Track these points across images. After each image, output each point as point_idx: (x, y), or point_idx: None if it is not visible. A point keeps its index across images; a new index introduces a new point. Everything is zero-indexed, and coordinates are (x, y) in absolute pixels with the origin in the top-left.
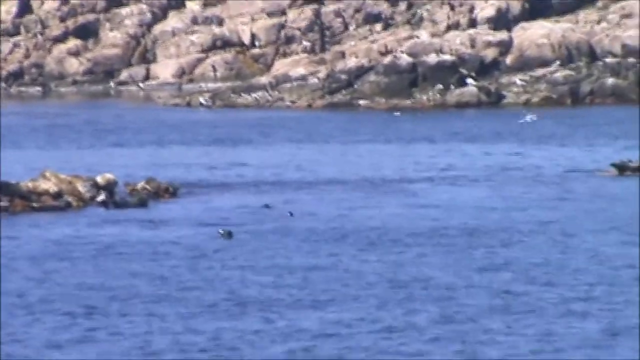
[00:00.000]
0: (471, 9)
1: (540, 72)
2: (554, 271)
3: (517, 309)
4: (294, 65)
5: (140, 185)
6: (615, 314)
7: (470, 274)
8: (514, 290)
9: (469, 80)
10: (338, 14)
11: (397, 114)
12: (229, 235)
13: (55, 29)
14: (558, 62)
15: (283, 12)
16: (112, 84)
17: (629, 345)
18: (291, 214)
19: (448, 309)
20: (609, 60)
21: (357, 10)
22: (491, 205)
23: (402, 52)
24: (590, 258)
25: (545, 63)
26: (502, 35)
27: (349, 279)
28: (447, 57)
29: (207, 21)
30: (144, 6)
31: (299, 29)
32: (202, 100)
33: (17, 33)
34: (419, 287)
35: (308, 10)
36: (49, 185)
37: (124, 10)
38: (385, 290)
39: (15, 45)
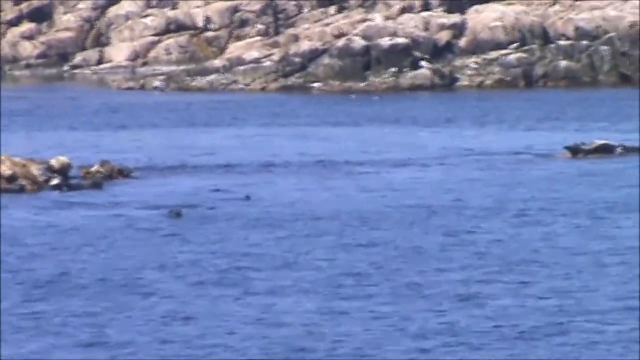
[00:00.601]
0: None
1: (493, 54)
2: (508, 254)
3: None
4: (247, 48)
5: (95, 168)
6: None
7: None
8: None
9: (423, 63)
10: None
11: (353, 96)
12: (177, 215)
13: (10, 12)
14: (515, 45)
15: None
16: (66, 67)
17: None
18: (248, 198)
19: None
20: (562, 42)
21: None
22: (443, 187)
23: (355, 35)
24: (542, 241)
25: (498, 46)
26: (455, 18)
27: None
28: (400, 40)
29: (161, 4)
30: None
31: (252, 12)
32: (155, 83)
33: None
34: (365, 276)
35: None
36: (3, 168)
37: None
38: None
39: None
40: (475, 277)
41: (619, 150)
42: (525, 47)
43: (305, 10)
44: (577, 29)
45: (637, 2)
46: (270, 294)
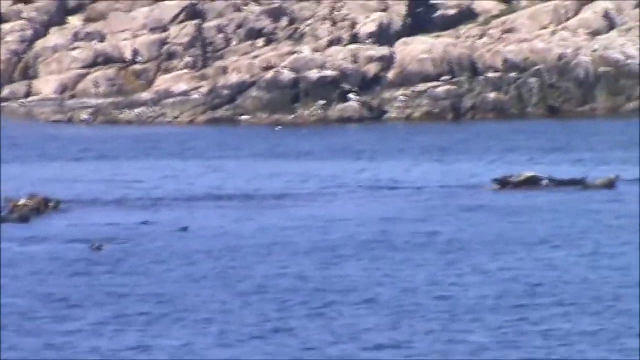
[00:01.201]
0: (353, 24)
1: (421, 87)
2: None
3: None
4: (176, 80)
5: (22, 201)
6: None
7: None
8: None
9: (351, 96)
10: (220, 29)
11: (278, 128)
12: (97, 249)
13: None
14: (447, 77)
15: (164, 28)
16: None
17: None
18: (185, 229)
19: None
20: (490, 75)
21: (239, 26)
22: (370, 219)
23: (284, 67)
24: (472, 273)
25: (426, 78)
26: (383, 50)
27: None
28: (329, 73)
29: (89, 37)
30: (25, 22)
31: (180, 44)
32: (83, 116)
33: None
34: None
35: (190, 26)
36: None
37: (5, 26)
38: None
39: None
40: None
41: (546, 182)
42: (454, 80)
43: (233, 42)
44: (505, 61)
45: (565, 34)
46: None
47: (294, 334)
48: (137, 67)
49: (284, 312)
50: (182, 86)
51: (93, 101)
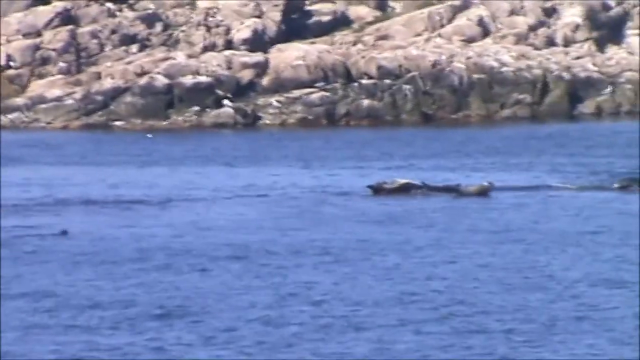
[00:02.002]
0: (227, 31)
1: (296, 93)
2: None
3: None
4: (49, 86)
5: None
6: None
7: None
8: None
9: (226, 102)
10: (94, 35)
11: (149, 135)
12: None
13: None
14: (321, 84)
15: (38, 33)
16: None
17: None
18: (65, 233)
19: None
20: (364, 81)
21: (113, 32)
22: (238, 226)
23: (158, 73)
24: (344, 280)
25: (301, 84)
26: (258, 56)
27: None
28: (203, 79)
29: None
30: None
31: (54, 49)
32: None
33: None
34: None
35: (64, 32)
36: None
37: None
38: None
39: None
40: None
41: (421, 189)
42: (328, 86)
43: (108, 48)
44: (379, 67)
45: (439, 41)
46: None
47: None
48: (11, 72)
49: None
50: (56, 92)
51: None
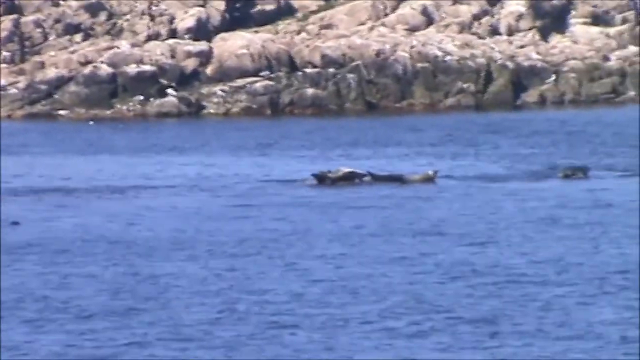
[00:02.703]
0: (171, 20)
1: (240, 82)
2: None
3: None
4: None
5: None
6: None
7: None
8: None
9: (170, 91)
10: (38, 24)
11: (91, 123)
12: None
13: None
14: (265, 73)
15: None
16: None
17: None
18: (16, 223)
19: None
20: (308, 70)
21: (57, 21)
22: (178, 215)
23: (102, 62)
24: (286, 270)
25: (245, 73)
26: (202, 45)
27: None
28: (147, 68)
29: None
30: None
31: None
32: None
33: None
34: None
35: (7, 21)
36: None
37: None
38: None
39: None
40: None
41: (365, 178)
42: (272, 75)
43: (52, 37)
44: (323, 56)
45: (383, 30)
46: None
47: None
48: None
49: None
50: None
51: None
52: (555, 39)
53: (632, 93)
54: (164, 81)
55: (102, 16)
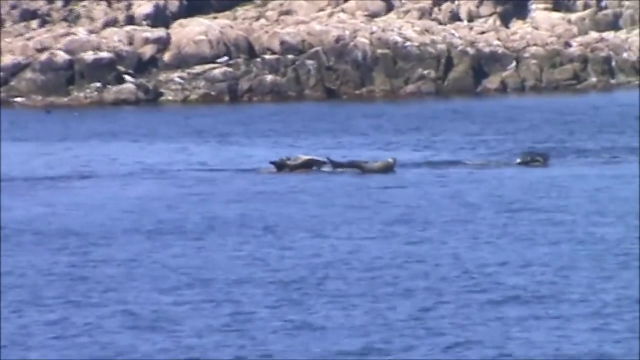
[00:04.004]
0: (129, 6)
1: (198, 69)
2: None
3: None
4: None
5: None
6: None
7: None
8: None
9: (127, 78)
10: None
11: (48, 111)
12: None
13: None
14: (224, 59)
15: None
16: None
17: None
18: None
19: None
20: (267, 57)
21: (13, 7)
22: (132, 204)
23: (59, 49)
24: (230, 260)
25: (203, 60)
26: (160, 32)
27: None
28: (104, 54)
29: None
30: None
31: None
32: None
33: None
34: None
35: None
36: None
37: None
38: None
39: None
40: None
41: (324, 166)
42: (231, 62)
43: (8, 24)
44: (282, 43)
45: (343, 16)
46: None
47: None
48: None
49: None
50: None
51: None
52: (516, 25)
53: (593, 79)
54: (121, 68)
55: (59, 2)
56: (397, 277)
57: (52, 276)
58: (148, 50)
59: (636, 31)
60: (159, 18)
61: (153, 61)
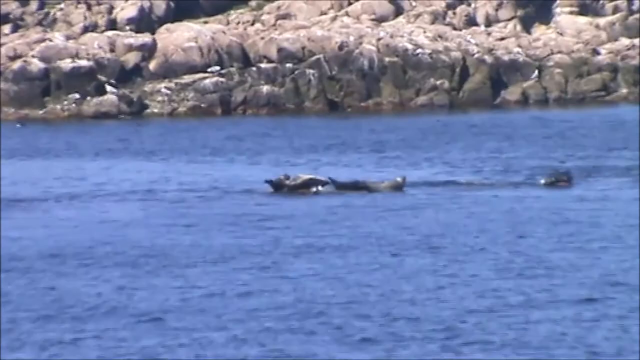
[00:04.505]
0: (110, 9)
1: (187, 78)
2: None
3: None
4: None
5: None
6: None
7: None
8: None
9: (109, 88)
10: None
11: (18, 125)
12: None
13: None
14: (216, 68)
15: None
16: None
17: None
18: None
19: None
20: (263, 65)
21: None
22: (113, 227)
23: (33, 56)
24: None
25: (193, 69)
26: (144, 38)
27: None
28: (83, 63)
29: None
30: None
31: None
32: None
33: None
34: None
35: None
36: None
37: None
38: None
39: None
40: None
41: (327, 186)
42: (223, 71)
43: None
44: (280, 50)
45: (347, 20)
46: None
47: None
48: None
49: None
50: None
51: None
52: (539, 31)
53: (624, 90)
54: (102, 77)
55: (33, 5)
56: (415, 319)
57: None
58: (132, 58)
59: None
60: (144, 22)
61: (137, 70)
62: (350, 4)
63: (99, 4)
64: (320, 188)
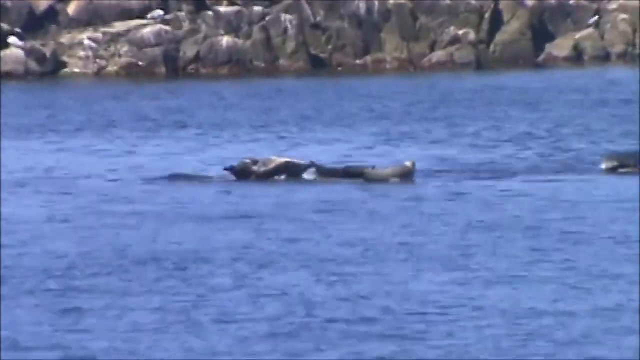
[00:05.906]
0: None
1: (119, 27)
2: None
3: None
4: None
5: None
6: None
7: None
8: None
9: (13, 40)
10: None
11: None
12: None
13: None
14: (160, 13)
15: None
16: None
17: None
18: None
19: None
20: (223, 9)
21: None
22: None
23: None
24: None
25: (127, 14)
26: None
27: None
28: None
29: None
30: None
31: None
32: None
33: None
34: None
35: None
36: None
37: None
38: None
39: None
40: None
41: (310, 171)
42: (168, 17)
43: None
44: None
45: None
46: None
47: None
48: None
49: None
50: None
51: None
52: None
53: None
54: (4, 25)
55: None
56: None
57: None
58: (43, 1)
59: None
60: None
61: (51, 15)
62: None
63: None
64: (305, 176)
